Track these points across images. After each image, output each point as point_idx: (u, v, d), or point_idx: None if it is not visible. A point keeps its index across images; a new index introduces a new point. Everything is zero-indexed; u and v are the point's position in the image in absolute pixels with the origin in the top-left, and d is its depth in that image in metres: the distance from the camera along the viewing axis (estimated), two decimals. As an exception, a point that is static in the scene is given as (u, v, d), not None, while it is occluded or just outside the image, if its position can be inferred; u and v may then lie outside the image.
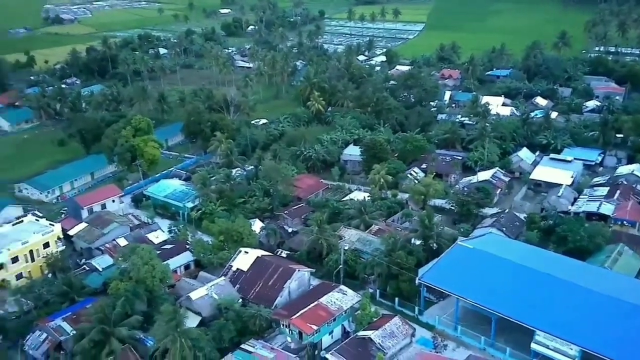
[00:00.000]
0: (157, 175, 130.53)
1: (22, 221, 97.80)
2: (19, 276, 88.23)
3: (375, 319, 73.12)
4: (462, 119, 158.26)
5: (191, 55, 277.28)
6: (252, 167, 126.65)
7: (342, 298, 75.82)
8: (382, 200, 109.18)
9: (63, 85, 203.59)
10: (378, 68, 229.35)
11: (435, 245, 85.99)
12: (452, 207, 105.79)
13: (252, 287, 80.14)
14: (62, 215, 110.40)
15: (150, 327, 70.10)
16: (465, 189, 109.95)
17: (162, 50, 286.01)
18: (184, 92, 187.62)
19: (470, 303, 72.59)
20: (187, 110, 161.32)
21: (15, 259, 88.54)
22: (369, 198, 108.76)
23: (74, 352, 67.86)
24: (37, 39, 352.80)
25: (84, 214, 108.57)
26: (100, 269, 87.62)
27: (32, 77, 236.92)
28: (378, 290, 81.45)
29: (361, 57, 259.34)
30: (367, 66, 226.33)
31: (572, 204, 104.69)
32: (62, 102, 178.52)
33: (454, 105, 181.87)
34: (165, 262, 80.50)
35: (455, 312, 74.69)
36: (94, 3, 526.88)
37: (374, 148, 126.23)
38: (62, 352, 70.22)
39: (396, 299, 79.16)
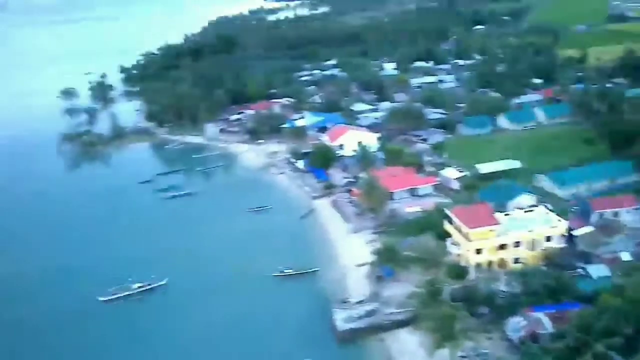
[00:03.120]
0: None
1: (532, 210, 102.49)
2: (516, 260, 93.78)
3: None
4: None
5: None
6: None
7: None
8: None
9: (608, 85, 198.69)
10: None
11: None
12: None
13: None
14: (570, 214, 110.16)
15: (631, 354, 63.78)
16: None
17: None
18: None
19: None
20: None
21: (517, 244, 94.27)
22: None
23: (550, 349, 68.34)
24: (595, 35, 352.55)
25: (594, 217, 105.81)
26: (594, 277, 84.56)
27: (579, 74, 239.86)
28: None
29: None
30: None
31: None
32: (601, 102, 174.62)
33: None
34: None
35: None
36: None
37: None
38: (534, 343, 71.52)
39: None
